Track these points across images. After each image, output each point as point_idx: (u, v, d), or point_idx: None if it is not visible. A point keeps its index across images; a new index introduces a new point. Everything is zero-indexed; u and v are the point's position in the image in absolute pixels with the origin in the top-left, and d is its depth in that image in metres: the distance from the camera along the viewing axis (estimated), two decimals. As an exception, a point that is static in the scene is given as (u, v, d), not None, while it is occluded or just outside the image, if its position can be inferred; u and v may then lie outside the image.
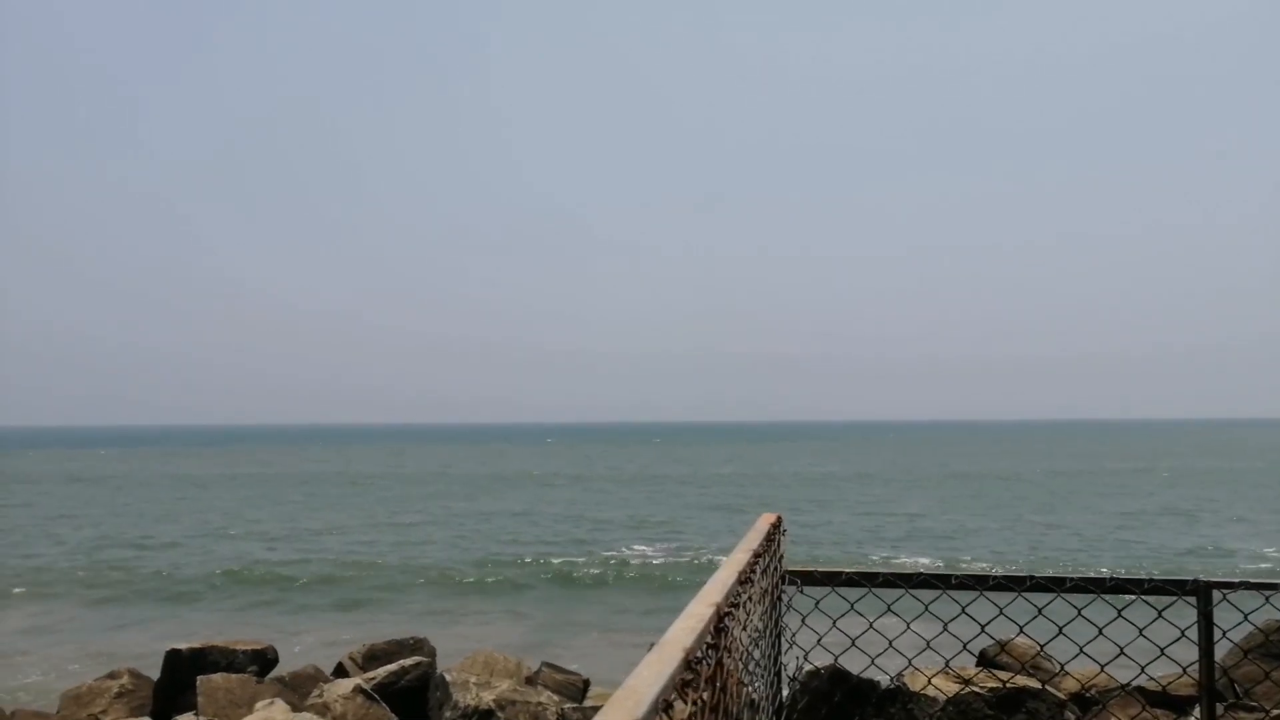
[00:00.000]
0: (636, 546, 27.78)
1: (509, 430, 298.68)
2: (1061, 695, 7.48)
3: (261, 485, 55.78)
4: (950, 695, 7.33)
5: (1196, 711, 5.70)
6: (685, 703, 1.21)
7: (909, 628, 3.10)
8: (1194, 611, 3.08)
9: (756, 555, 2.34)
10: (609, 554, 26.20)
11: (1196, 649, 3.08)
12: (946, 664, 3.56)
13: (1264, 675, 7.31)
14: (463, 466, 77.67)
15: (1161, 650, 3.07)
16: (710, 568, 21.82)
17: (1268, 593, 3.06)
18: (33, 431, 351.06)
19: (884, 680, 7.41)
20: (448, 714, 8.27)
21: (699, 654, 1.35)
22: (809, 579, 3.14)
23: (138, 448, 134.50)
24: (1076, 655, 3.19)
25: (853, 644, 3.11)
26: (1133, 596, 3.06)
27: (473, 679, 8.71)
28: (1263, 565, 23.71)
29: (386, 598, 20.33)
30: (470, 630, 16.93)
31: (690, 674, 1.26)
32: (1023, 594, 3.07)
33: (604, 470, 70.40)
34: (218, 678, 8.99)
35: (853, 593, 3.13)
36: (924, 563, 23.83)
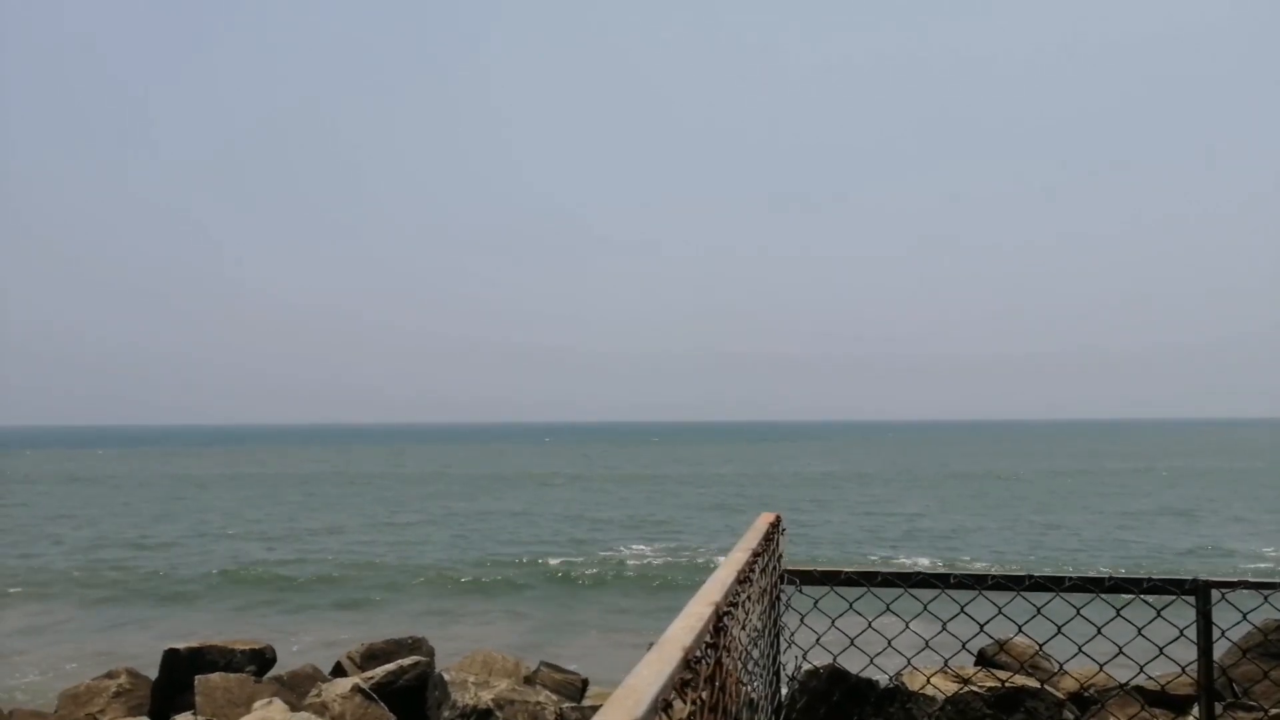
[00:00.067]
0: (635, 546, 27.78)
1: (508, 430, 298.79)
2: (1060, 695, 7.49)
3: (260, 485, 55.76)
4: (949, 695, 7.33)
5: (1195, 711, 5.69)
6: (684, 702, 1.20)
7: (908, 627, 3.10)
8: (1193, 611, 3.08)
9: (755, 555, 2.33)
10: (607, 554, 26.20)
11: (1195, 648, 3.08)
12: (945, 663, 3.56)
13: (1263, 675, 7.32)
14: (461, 466, 77.67)
15: (1160, 650, 3.07)
16: (709, 567, 21.83)
17: (1266, 592, 3.06)
18: (32, 431, 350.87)
19: (883, 680, 7.41)
20: (446, 713, 8.27)
21: (698, 653, 1.35)
22: (808, 578, 3.14)
23: (137, 447, 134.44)
24: (1075, 655, 3.19)
25: (851, 643, 3.11)
26: (1131, 596, 3.06)
27: (471, 678, 8.71)
28: (1262, 565, 23.72)
29: (385, 597, 20.33)
30: (469, 630, 16.93)
31: (689, 673, 1.26)
32: (1021, 593, 3.07)
33: (603, 470, 70.40)
34: (216, 677, 8.99)
35: (851, 592, 3.13)
36: (923, 562, 23.85)
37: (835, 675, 7.31)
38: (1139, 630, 2.96)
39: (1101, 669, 3.26)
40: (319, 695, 8.38)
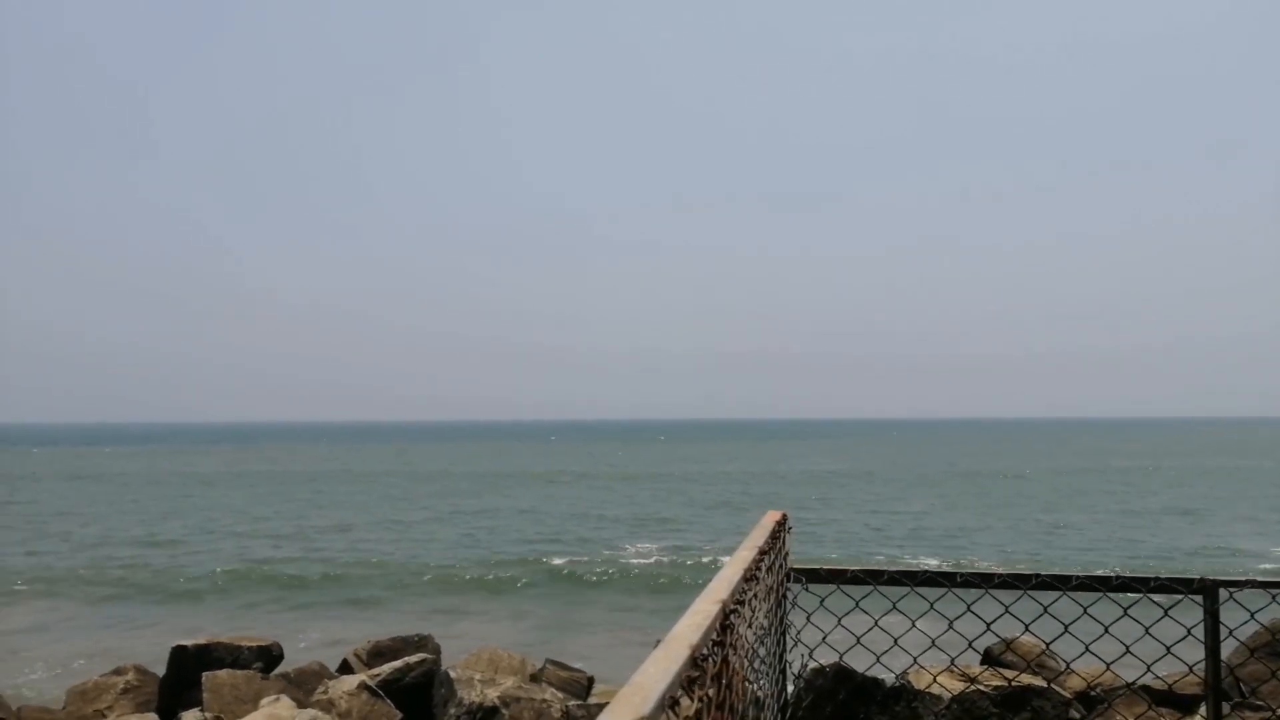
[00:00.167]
0: (641, 544, 27.78)
1: (513, 428, 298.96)
2: (1067, 694, 7.47)
3: (267, 483, 55.89)
4: (955, 693, 7.32)
5: (1202, 710, 5.68)
6: (692, 699, 1.20)
7: (914, 626, 3.10)
8: (1200, 610, 3.07)
9: (762, 553, 2.33)
10: (613, 552, 26.21)
11: (1203, 648, 3.08)
12: (952, 662, 3.56)
13: (1270, 674, 7.29)
14: (467, 464, 77.76)
15: (1168, 649, 3.06)
16: (714, 566, 21.82)
17: (1275, 591, 3.05)
18: (38, 428, 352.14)
19: (889, 678, 7.41)
20: (452, 711, 8.28)
21: (705, 651, 1.35)
22: (814, 576, 3.14)
23: (143, 445, 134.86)
24: (1082, 654, 3.18)
25: (858, 642, 3.11)
26: (1139, 595, 3.05)
27: (477, 676, 8.72)
28: (1269, 564, 23.63)
29: (391, 595, 20.36)
30: (475, 627, 16.96)
31: (696, 671, 1.26)
32: (1028, 592, 3.07)
33: (608, 468, 70.41)
34: (223, 674, 9.01)
35: (858, 590, 3.13)
36: (929, 561, 23.81)
37: (841, 674, 7.31)
38: (1146, 629, 2.95)
39: (1108, 668, 3.25)
40: (326, 692, 8.40)
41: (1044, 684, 7.37)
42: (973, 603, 3.05)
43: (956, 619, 3.03)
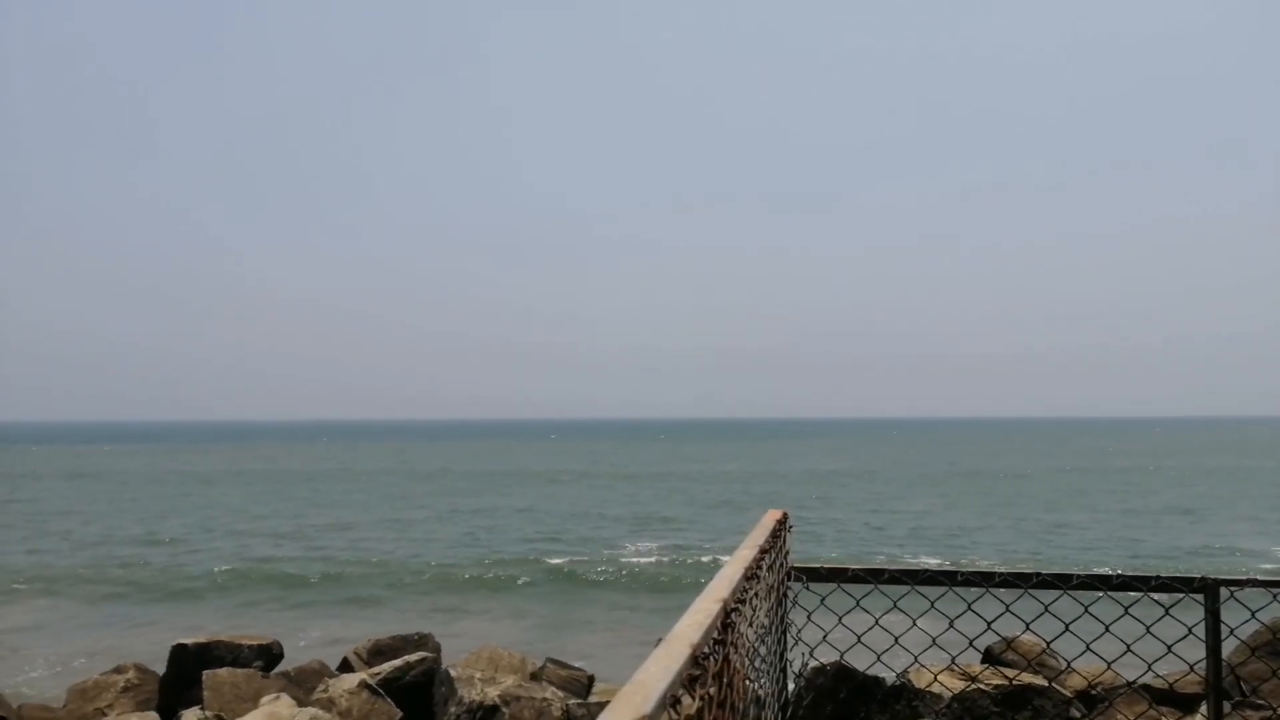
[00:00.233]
0: (641, 543, 27.79)
1: (513, 426, 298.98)
2: (1067, 693, 7.47)
3: (267, 481, 55.90)
4: (956, 692, 7.32)
5: (1203, 709, 5.68)
6: (693, 698, 1.20)
7: (915, 625, 3.10)
8: (1201, 609, 3.07)
9: (763, 551, 2.33)
10: (614, 551, 26.21)
11: (1204, 647, 3.07)
12: (952, 661, 3.55)
13: (1271, 673, 7.29)
14: (467, 463, 77.78)
15: (1169, 648, 3.06)
16: (714, 566, 21.83)
17: (1276, 590, 3.04)
18: (37, 427, 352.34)
19: (889, 677, 7.41)
20: (453, 709, 8.28)
21: (706, 649, 1.35)
22: (815, 575, 3.14)
23: (143, 444, 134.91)
24: (1083, 653, 3.18)
25: (858, 640, 3.11)
26: (1140, 594, 3.05)
27: (478, 675, 8.72)
28: (1270, 564, 23.63)
29: (391, 594, 20.37)
30: (474, 627, 16.96)
31: (698, 669, 1.26)
32: (1029, 591, 3.07)
33: (609, 467, 70.42)
34: (223, 672, 9.02)
35: (858, 589, 3.12)
36: (929, 560, 23.81)
37: (842, 672, 7.31)
38: (1147, 628, 2.95)
39: (1109, 667, 3.25)
40: (326, 691, 8.40)
41: (1045, 683, 7.37)
42: (973, 601, 3.05)
43: (957, 618, 3.03)
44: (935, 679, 7.41)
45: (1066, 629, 3.03)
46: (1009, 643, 4.48)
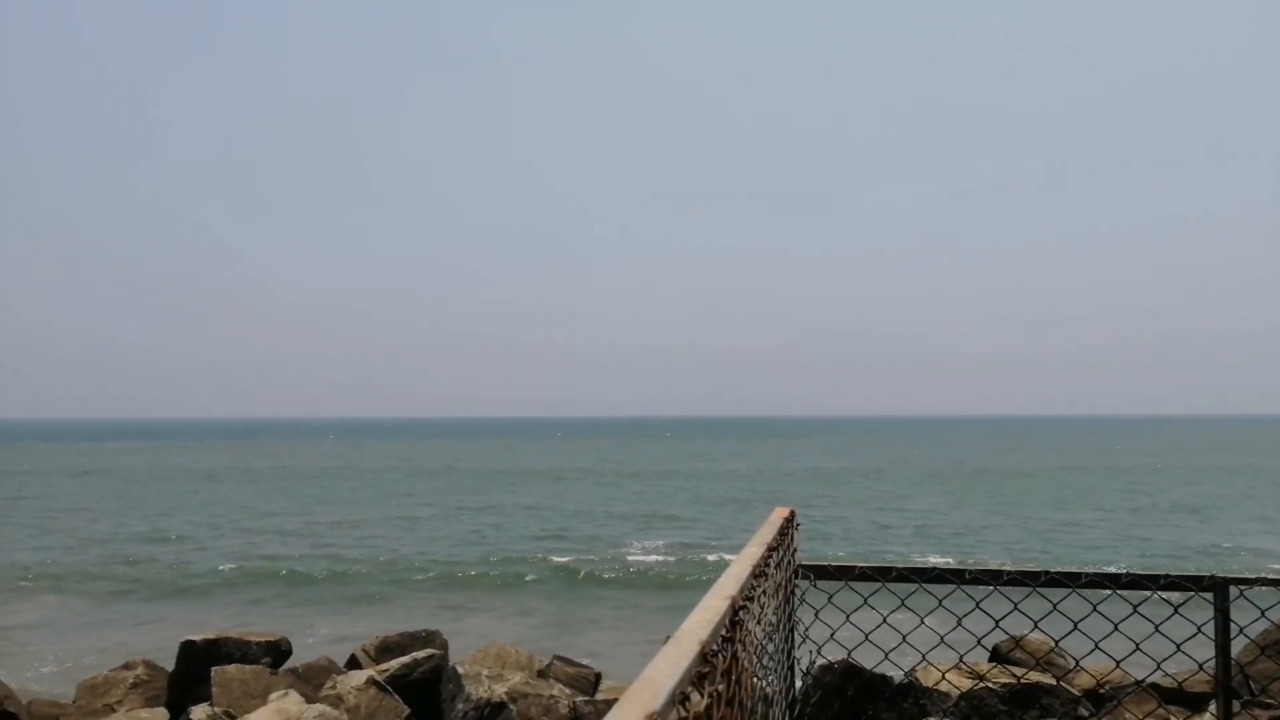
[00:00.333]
0: (647, 541, 27.81)
1: (518, 425, 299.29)
2: (1076, 691, 7.45)
3: (273, 479, 56.08)
4: (963, 691, 7.32)
5: (1212, 708, 5.66)
6: (701, 695, 1.20)
7: (923, 623, 3.09)
8: (1210, 608, 3.06)
9: (771, 549, 2.33)
10: (620, 549, 26.23)
11: (1213, 645, 3.06)
12: (960, 659, 3.55)
13: None
14: (473, 461, 77.90)
15: (1178, 646, 3.05)
16: (721, 564, 21.84)
17: (1286, 589, 3.03)
18: (44, 424, 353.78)
19: (897, 675, 7.40)
20: (460, 706, 8.30)
21: (714, 647, 1.35)
22: (822, 573, 3.13)
23: (149, 441, 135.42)
24: (1091, 651, 3.17)
25: (866, 638, 3.10)
26: (1148, 592, 3.04)
27: (485, 672, 8.74)
28: None
29: (398, 591, 20.42)
30: (481, 624, 16.99)
31: (706, 667, 1.26)
32: (1037, 589, 3.06)
33: (615, 465, 70.46)
34: (232, 669, 9.05)
35: (866, 587, 3.12)
36: (937, 559, 23.78)
37: (849, 670, 7.30)
38: (1156, 627, 2.94)
39: (1118, 665, 3.24)
40: (334, 687, 8.43)
41: (1053, 681, 7.36)
42: (981, 600, 3.04)
43: (965, 616, 3.02)
44: (943, 677, 7.40)
45: (1075, 627, 3.02)
46: (1017, 641, 4.47)
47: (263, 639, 10.26)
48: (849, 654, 3.11)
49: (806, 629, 3.05)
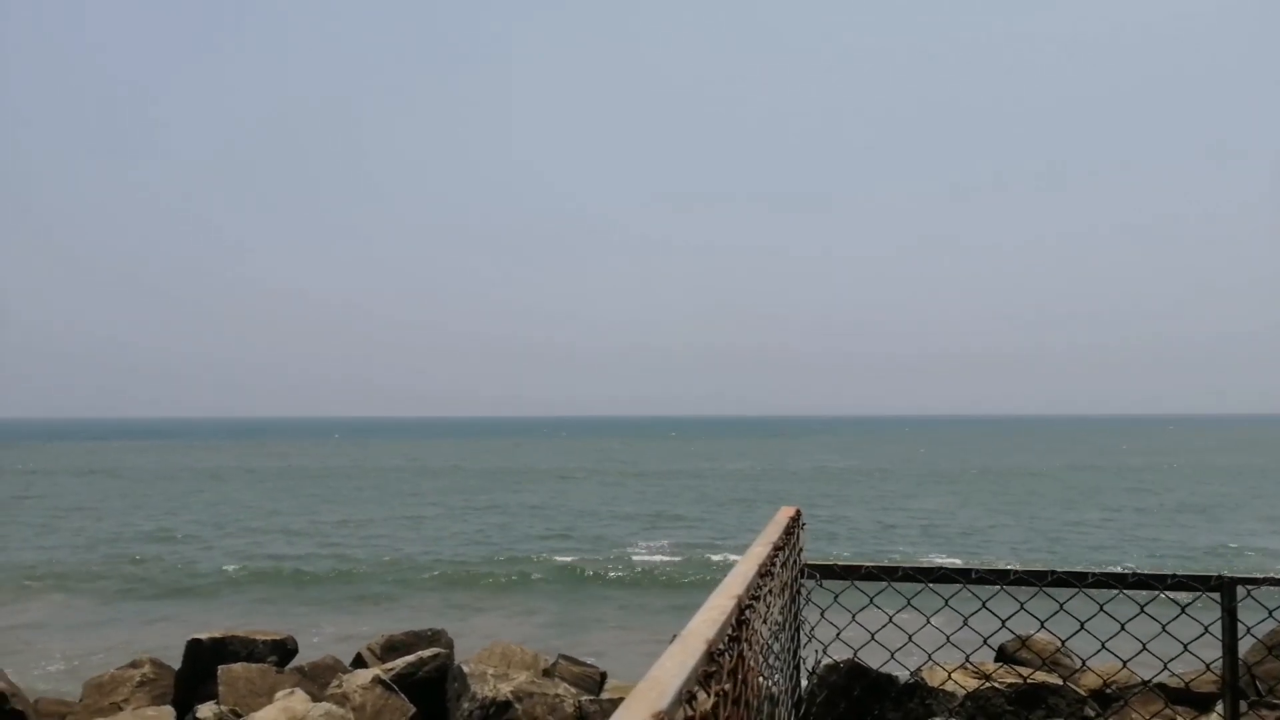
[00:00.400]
0: (652, 541, 27.81)
1: (522, 424, 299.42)
2: (1082, 691, 7.44)
3: (278, 478, 56.17)
4: (969, 690, 7.30)
5: (1219, 708, 5.64)
6: (708, 694, 1.20)
7: (929, 622, 3.09)
8: (1217, 608, 3.05)
9: (776, 548, 2.33)
10: (625, 548, 26.23)
11: (1220, 645, 3.05)
12: (966, 659, 3.54)
13: (1287, 673, 7.24)
14: (478, 460, 77.95)
15: (1185, 646, 3.04)
16: (726, 564, 21.82)
17: (1293, 589, 3.02)
18: (49, 424, 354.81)
19: (903, 675, 7.39)
20: (466, 705, 8.31)
21: (721, 646, 1.35)
22: (828, 573, 3.13)
23: (154, 440, 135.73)
24: (1098, 651, 3.16)
25: (872, 638, 3.10)
26: (1155, 592, 3.03)
27: (490, 670, 8.75)
28: (1285, 562, 23.46)
29: (403, 591, 20.45)
30: (486, 623, 17.01)
31: (713, 666, 1.26)
32: (1044, 589, 3.05)
33: (620, 464, 70.46)
34: (238, 667, 9.07)
35: (872, 587, 3.11)
36: (942, 559, 23.74)
37: (855, 670, 7.29)
38: (1163, 627, 2.94)
39: (1124, 665, 3.23)
40: (340, 686, 8.44)
41: (1059, 681, 7.34)
42: (987, 599, 3.04)
43: (971, 616, 3.01)
44: (949, 677, 7.39)
45: (1082, 627, 3.01)
46: (1023, 641, 4.46)
47: (269, 638, 10.28)
48: (855, 653, 3.11)
49: (812, 628, 3.04)
